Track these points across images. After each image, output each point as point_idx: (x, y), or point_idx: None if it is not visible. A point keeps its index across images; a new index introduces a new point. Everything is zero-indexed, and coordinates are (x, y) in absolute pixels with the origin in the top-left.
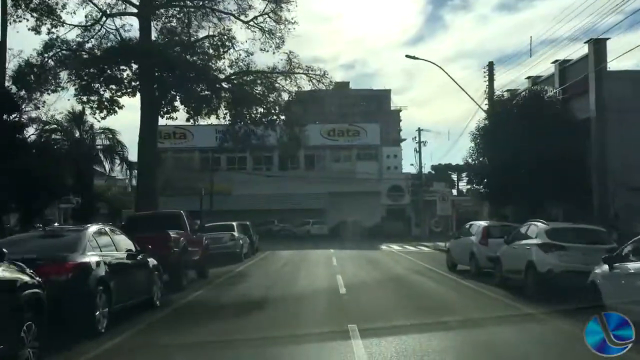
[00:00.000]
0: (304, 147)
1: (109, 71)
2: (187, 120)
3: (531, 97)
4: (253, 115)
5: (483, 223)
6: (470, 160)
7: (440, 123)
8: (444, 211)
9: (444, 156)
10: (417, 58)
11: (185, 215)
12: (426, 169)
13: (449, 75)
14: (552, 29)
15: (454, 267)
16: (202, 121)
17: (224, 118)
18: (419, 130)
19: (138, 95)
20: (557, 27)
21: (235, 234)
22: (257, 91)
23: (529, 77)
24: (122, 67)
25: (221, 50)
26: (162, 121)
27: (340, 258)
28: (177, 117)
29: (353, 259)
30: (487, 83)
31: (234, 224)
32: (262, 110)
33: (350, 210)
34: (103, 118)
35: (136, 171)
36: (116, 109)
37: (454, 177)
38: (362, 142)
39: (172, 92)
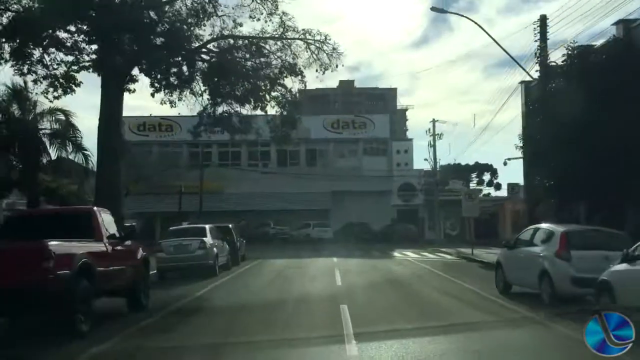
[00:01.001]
0: (305, 141)
1: (51, 32)
2: (152, 95)
3: (621, 47)
4: (236, 91)
5: (559, 228)
6: (520, 146)
7: (447, 125)
8: (471, 211)
9: (461, 154)
10: (445, 11)
11: (99, 213)
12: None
13: (490, 37)
14: (560, 30)
15: (506, 288)
16: (183, 106)
17: (202, 95)
18: (434, 121)
19: None
20: (563, 28)
21: (207, 240)
22: (240, 59)
23: (617, 22)
24: (68, 27)
25: (201, 16)
26: (146, 111)
27: (345, 271)
28: (134, 89)
29: (363, 272)
30: (537, 43)
31: (207, 227)
32: (247, 84)
33: (356, 212)
34: (57, 97)
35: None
36: (73, 86)
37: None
38: (370, 135)
39: (133, 58)
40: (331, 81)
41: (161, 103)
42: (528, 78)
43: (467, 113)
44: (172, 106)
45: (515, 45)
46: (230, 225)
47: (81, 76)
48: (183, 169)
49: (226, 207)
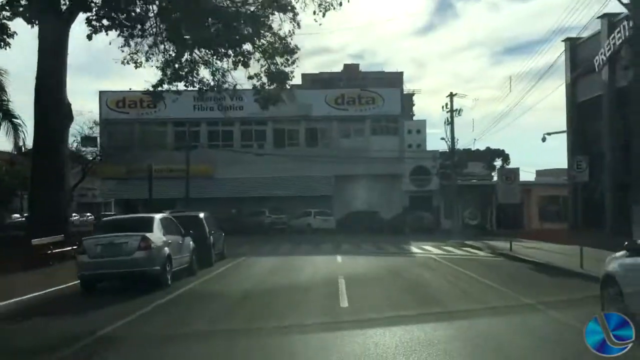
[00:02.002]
0: (305, 119)
1: None
2: (89, 37)
3: None
4: (204, 34)
5: None
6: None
7: (466, 101)
8: (509, 196)
9: (484, 136)
10: None
11: None
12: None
13: None
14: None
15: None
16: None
17: (163, 43)
18: (451, 95)
19: None
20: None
21: (153, 236)
22: None
23: None
24: None
25: None
26: (125, 85)
27: (354, 281)
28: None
29: (380, 284)
30: None
31: (156, 217)
32: (219, 25)
33: (363, 198)
34: None
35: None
36: (5, 38)
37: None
38: (379, 112)
39: None
40: (336, 66)
41: (123, 62)
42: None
43: (471, 99)
44: (136, 67)
45: (522, 31)
46: (200, 215)
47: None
48: (168, 150)
49: (216, 193)
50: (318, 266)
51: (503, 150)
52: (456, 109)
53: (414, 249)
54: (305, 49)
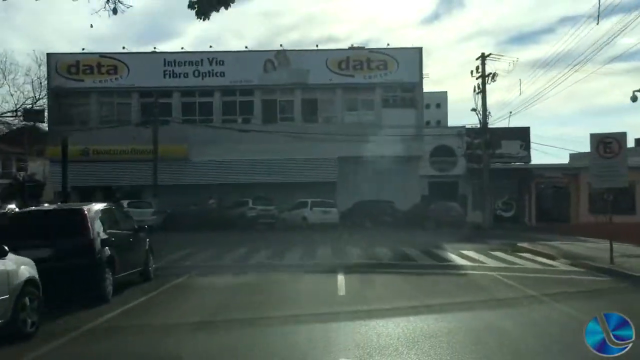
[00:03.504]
0: (301, 88)
1: None
2: None
3: None
4: None
5: None
6: None
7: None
8: (611, 178)
9: (520, 109)
10: None
11: None
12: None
13: None
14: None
15: None
16: None
17: None
18: (483, 57)
19: None
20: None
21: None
22: None
23: None
24: None
25: None
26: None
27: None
28: None
29: None
30: None
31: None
32: None
33: (372, 185)
34: None
35: None
36: None
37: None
38: (392, 79)
39: None
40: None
41: None
42: None
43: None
44: None
45: (528, 20)
46: (83, 209)
47: None
48: (132, 125)
49: (191, 178)
50: (306, 295)
51: (528, 128)
52: (489, 74)
53: (453, 257)
54: (311, 38)
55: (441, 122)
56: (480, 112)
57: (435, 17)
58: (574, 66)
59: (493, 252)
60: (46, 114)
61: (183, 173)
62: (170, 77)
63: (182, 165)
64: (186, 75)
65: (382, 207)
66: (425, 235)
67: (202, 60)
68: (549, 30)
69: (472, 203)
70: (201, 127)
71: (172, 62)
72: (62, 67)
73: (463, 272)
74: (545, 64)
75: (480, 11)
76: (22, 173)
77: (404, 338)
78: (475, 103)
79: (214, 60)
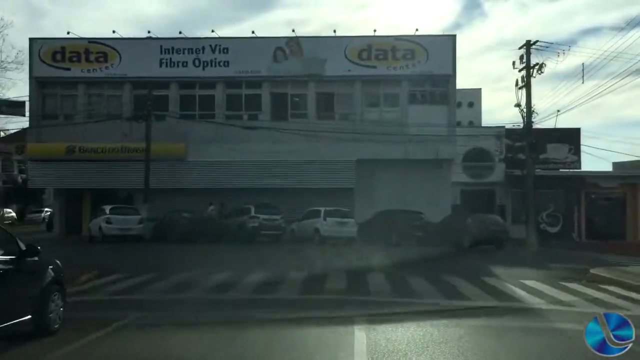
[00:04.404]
0: (316, 80)
1: None
2: None
3: None
4: None
5: None
6: None
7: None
8: None
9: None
10: None
11: None
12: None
13: None
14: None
15: None
16: None
17: None
18: (528, 44)
19: None
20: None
21: None
22: None
23: None
24: None
25: None
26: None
27: None
28: None
29: None
30: None
31: None
32: None
33: (397, 193)
34: None
35: None
36: None
37: None
38: (421, 71)
39: None
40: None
41: None
42: None
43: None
44: None
45: (550, 31)
46: None
47: None
48: (123, 120)
49: (189, 181)
50: None
51: (579, 129)
52: (535, 64)
53: (519, 292)
54: None
55: (474, 123)
56: (524, 109)
57: (456, 27)
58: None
59: (565, 283)
60: (27, 106)
61: (179, 175)
62: (167, 66)
63: (179, 167)
64: (185, 64)
65: (409, 218)
66: (464, 256)
67: (203, 47)
68: (570, 41)
69: (512, 215)
70: (201, 123)
71: (170, 49)
72: (45, 54)
73: (549, 322)
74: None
75: (503, 22)
76: (23, 175)
77: None
78: (517, 98)
79: (217, 47)
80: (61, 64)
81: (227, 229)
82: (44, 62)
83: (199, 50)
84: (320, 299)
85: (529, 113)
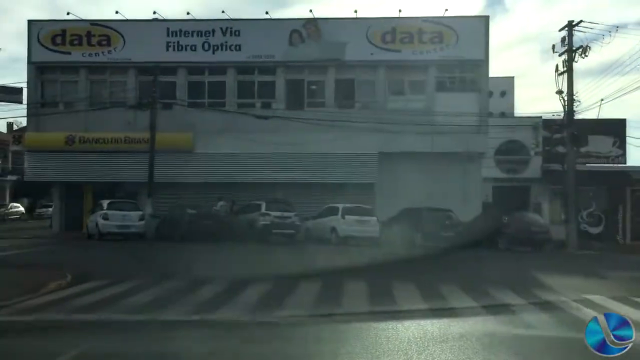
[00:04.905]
0: (336, 66)
1: None
2: None
3: None
4: None
5: None
6: None
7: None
8: None
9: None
10: None
11: None
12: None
13: None
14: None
15: None
16: None
17: None
18: (570, 25)
19: None
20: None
21: None
22: None
23: None
24: None
25: None
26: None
27: None
28: None
29: None
30: None
31: None
32: None
33: (422, 189)
34: None
35: None
36: None
37: None
38: (450, 56)
39: None
40: None
41: None
42: None
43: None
44: None
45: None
46: None
47: None
48: (127, 108)
49: (197, 175)
50: None
51: (624, 120)
52: (579, 47)
53: (586, 312)
54: None
55: (506, 115)
56: (565, 97)
57: None
58: None
59: (637, 299)
60: (25, 92)
61: (186, 168)
62: (174, 50)
63: (186, 159)
64: (194, 48)
65: (438, 217)
66: (501, 260)
67: (213, 30)
68: (595, 38)
69: (550, 214)
70: (211, 112)
71: (177, 32)
72: (45, 37)
73: None
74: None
75: (525, 17)
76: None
77: None
78: (557, 85)
79: (228, 30)
80: (61, 47)
81: (236, 227)
82: (43, 45)
83: (209, 33)
84: (335, 315)
85: (570, 101)
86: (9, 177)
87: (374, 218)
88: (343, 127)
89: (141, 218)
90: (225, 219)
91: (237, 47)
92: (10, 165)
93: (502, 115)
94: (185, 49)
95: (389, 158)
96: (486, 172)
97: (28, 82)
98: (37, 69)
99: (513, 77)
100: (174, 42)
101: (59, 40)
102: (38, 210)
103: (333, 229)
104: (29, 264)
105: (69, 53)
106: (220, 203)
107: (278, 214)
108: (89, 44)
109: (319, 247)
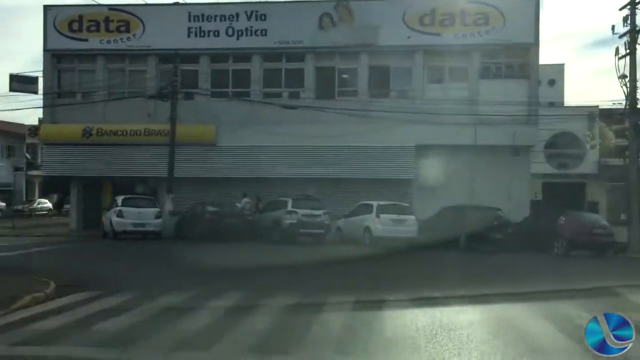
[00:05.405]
0: (368, 51)
1: None
2: None
3: None
4: None
5: None
6: None
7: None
8: None
9: None
10: None
11: None
12: None
13: None
14: None
15: None
16: None
17: None
18: (633, 2)
19: None
20: None
21: None
22: None
23: None
24: None
25: None
26: None
27: None
28: None
29: None
30: None
31: None
32: None
33: (464, 186)
34: None
35: None
36: None
37: None
38: (496, 39)
39: None
40: None
41: None
42: None
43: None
44: None
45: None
46: None
47: None
48: (146, 98)
49: (219, 170)
50: None
51: None
52: None
53: None
54: None
55: (555, 105)
56: (628, 84)
57: None
58: None
59: None
60: (40, 82)
61: (209, 162)
62: (196, 36)
63: (209, 152)
64: (217, 33)
65: (485, 217)
66: (562, 267)
67: (237, 14)
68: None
69: (607, 214)
70: (235, 102)
71: (200, 16)
72: (61, 24)
73: None
74: None
75: (560, 13)
76: None
77: None
78: (617, 70)
79: (254, 14)
80: (78, 34)
81: (260, 226)
82: (59, 32)
83: (233, 17)
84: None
85: (632, 87)
86: (36, 173)
87: (412, 217)
88: (377, 118)
89: (158, 216)
90: (247, 217)
91: (263, 32)
92: (39, 161)
93: (551, 105)
94: (208, 35)
95: (427, 151)
96: (535, 168)
97: (44, 71)
98: (53, 57)
99: (563, 65)
100: (195, 28)
101: (75, 26)
102: (66, 207)
103: (367, 229)
104: (21, 268)
105: (86, 40)
106: (245, 200)
107: (306, 212)
108: (107, 30)
109: (351, 247)
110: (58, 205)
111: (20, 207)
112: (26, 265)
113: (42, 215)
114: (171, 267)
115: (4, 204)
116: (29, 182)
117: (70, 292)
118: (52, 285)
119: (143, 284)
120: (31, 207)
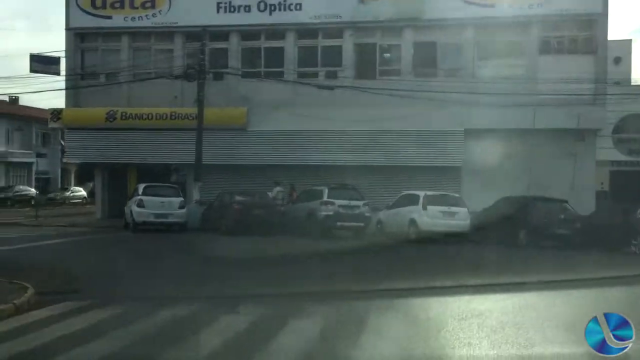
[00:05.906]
0: (413, 26)
1: None
2: None
3: None
4: None
5: None
6: None
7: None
8: None
9: None
10: None
11: None
12: None
13: None
14: None
15: None
16: None
17: None
18: None
19: None
20: None
21: None
22: None
23: None
24: None
25: None
26: None
27: None
28: None
29: None
30: None
31: None
32: None
33: (521, 174)
34: None
35: None
36: None
37: None
38: (558, 10)
39: None
40: None
41: None
42: None
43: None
44: None
45: None
46: None
47: None
48: (173, 79)
49: (250, 157)
50: None
51: None
52: None
53: None
54: None
55: (619, 84)
56: None
57: None
58: None
59: None
60: (63, 62)
61: (239, 148)
62: (226, 11)
63: (239, 137)
64: (248, 9)
65: (550, 210)
66: None
67: None
68: None
69: None
70: (267, 83)
71: None
72: (84, 0)
73: None
74: None
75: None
76: None
77: None
78: None
79: None
80: (102, 11)
81: (292, 217)
82: (82, 9)
83: None
84: None
85: None
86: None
87: (464, 209)
88: (423, 100)
89: (182, 205)
90: (279, 207)
91: (298, 7)
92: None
93: (616, 84)
94: (238, 10)
95: (479, 136)
96: (602, 154)
97: (67, 51)
98: (76, 36)
99: (630, 40)
100: (225, 3)
101: (99, 3)
102: None
103: (412, 222)
104: (4, 268)
105: (110, 17)
106: (277, 189)
107: (343, 202)
108: (132, 6)
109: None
110: (92, 194)
111: (52, 195)
112: (16, 263)
113: (75, 203)
114: (181, 267)
115: (37, 192)
116: (65, 170)
117: (50, 303)
118: (30, 292)
119: (144, 290)
120: (64, 195)
